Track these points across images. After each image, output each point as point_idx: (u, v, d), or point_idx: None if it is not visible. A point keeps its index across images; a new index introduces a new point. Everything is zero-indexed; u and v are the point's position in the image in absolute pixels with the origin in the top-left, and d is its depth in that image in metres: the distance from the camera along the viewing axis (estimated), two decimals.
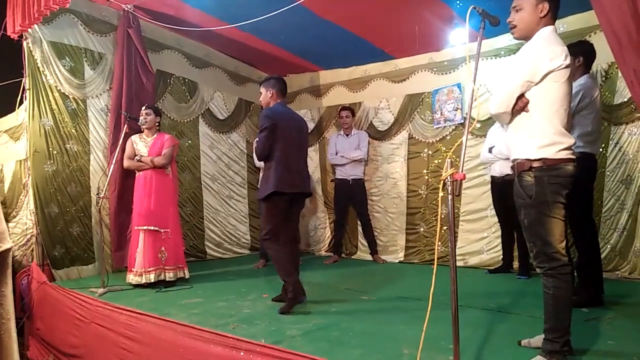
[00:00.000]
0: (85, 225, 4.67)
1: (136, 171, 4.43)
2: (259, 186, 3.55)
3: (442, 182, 2.07)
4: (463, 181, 2.07)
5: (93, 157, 4.79)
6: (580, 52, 3.24)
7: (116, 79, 4.84)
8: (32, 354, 4.13)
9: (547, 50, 2.18)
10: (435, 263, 2.07)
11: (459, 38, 5.06)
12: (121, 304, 3.40)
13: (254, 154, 5.58)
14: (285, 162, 3.49)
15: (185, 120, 5.80)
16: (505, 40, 4.82)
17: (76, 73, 4.69)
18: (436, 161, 5.54)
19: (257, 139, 3.52)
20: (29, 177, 4.43)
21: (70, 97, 4.64)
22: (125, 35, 4.85)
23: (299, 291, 3.48)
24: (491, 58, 5.00)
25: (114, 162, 4.39)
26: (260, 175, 5.62)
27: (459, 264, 5.08)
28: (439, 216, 2.21)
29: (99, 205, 4.29)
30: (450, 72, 5.42)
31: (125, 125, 4.46)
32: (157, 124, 4.51)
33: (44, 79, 4.46)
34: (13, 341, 2.49)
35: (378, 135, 6.00)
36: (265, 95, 3.72)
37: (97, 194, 4.30)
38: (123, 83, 4.80)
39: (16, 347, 2.53)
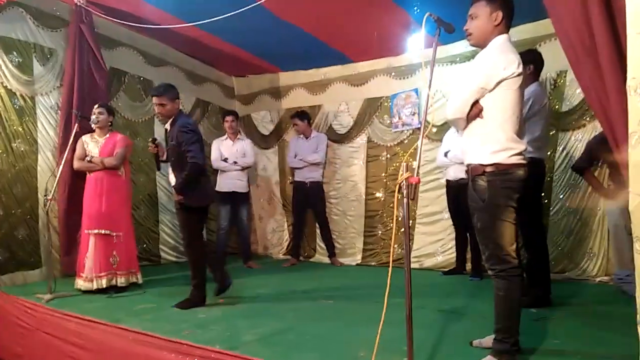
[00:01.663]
0: (31, 228, 4.46)
1: (87, 172, 4.26)
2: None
3: (397, 185, 2.10)
4: (419, 185, 2.10)
5: (41, 157, 4.58)
6: (531, 60, 3.36)
7: (67, 76, 4.65)
8: None
9: (500, 58, 2.25)
10: (391, 265, 2.09)
11: (416, 44, 5.17)
12: (70, 310, 3.26)
13: (212, 157, 5.57)
14: None
15: (140, 120, 5.64)
16: (461, 47, 4.95)
17: (24, 69, 4.48)
18: (394, 165, 5.62)
19: (191, 148, 3.51)
20: None
21: (18, 94, 4.43)
22: (77, 30, 4.67)
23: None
24: (447, 64, 5.13)
25: (63, 162, 4.20)
26: (218, 176, 5.58)
27: (414, 266, 5.16)
28: (394, 219, 2.24)
29: (47, 207, 4.10)
30: (408, 77, 5.53)
31: (77, 125, 4.28)
32: (109, 123, 4.36)
33: None
34: None
35: (337, 138, 6.04)
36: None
37: (45, 195, 4.11)
38: (74, 80, 4.62)
39: None
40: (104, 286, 4.02)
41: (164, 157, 3.75)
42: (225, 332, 2.92)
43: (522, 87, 2.34)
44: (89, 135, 4.35)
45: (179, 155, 3.56)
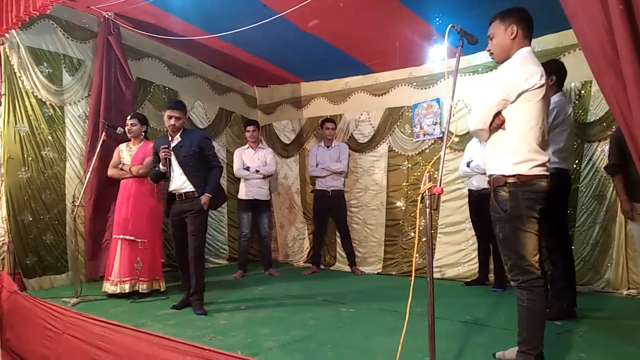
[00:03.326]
0: (59, 233, 4.58)
1: (120, 179, 4.39)
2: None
3: (420, 195, 2.11)
4: (441, 195, 2.11)
5: (69, 165, 4.72)
6: (553, 70, 3.33)
7: (95, 86, 4.79)
8: None
9: (522, 70, 2.26)
10: (413, 275, 2.09)
11: (438, 54, 5.18)
12: (95, 314, 3.33)
13: (234, 166, 5.64)
14: None
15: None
16: (483, 57, 4.93)
17: (54, 79, 4.63)
18: (415, 174, 5.61)
19: (215, 154, 3.98)
20: (2, 183, 4.32)
21: (47, 103, 4.58)
22: (105, 42, 4.81)
23: None
24: (469, 74, 5.12)
25: (90, 169, 4.32)
26: (241, 185, 5.65)
27: (436, 276, 5.10)
28: (416, 229, 2.24)
29: (74, 213, 4.22)
30: (429, 87, 5.53)
31: (104, 133, 4.41)
32: (143, 132, 4.47)
33: (21, 85, 4.40)
34: None
35: (358, 147, 6.05)
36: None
37: (73, 202, 4.23)
38: (102, 90, 4.76)
39: None
40: (127, 291, 4.10)
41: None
42: (246, 338, 2.95)
43: (546, 98, 2.33)
44: (125, 144, 4.49)
45: (198, 162, 3.79)
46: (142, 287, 4.20)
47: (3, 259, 4.33)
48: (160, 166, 3.77)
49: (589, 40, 1.85)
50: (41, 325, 3.53)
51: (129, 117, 4.43)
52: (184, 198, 3.76)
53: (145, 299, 4.11)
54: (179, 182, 3.76)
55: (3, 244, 4.34)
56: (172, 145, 3.79)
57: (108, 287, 4.13)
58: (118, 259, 4.15)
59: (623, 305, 3.88)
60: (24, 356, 3.73)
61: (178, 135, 3.82)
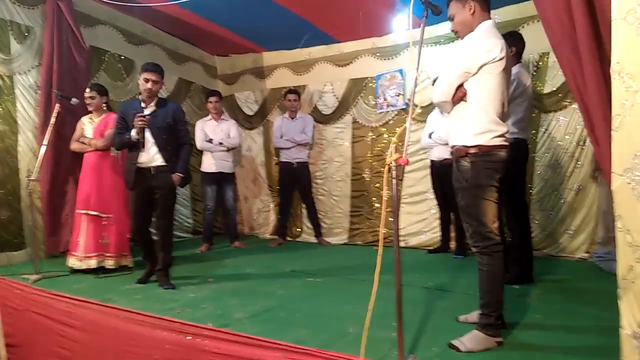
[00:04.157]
0: (14, 209, 4.40)
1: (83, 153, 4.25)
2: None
3: (387, 166, 2.14)
4: (406, 165, 2.15)
5: (22, 137, 4.51)
6: (513, 42, 3.40)
7: (46, 54, 4.55)
8: None
9: (483, 43, 2.31)
10: (381, 244, 2.14)
11: (401, 24, 5.16)
12: (59, 290, 3.26)
13: (196, 138, 5.52)
14: None
15: (122, 100, 5.54)
16: (446, 28, 4.94)
17: (1, 47, 4.37)
18: (380, 145, 5.66)
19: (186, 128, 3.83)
20: None
21: None
22: (55, 8, 4.55)
23: None
24: (432, 45, 5.14)
25: (45, 142, 4.14)
26: (204, 157, 5.56)
27: (400, 244, 5.25)
28: (383, 199, 2.29)
29: (30, 188, 4.06)
30: (392, 58, 5.53)
31: (57, 104, 4.21)
32: (104, 104, 4.30)
33: None
34: None
35: (322, 119, 6.04)
36: None
37: (27, 176, 4.07)
38: (53, 59, 4.53)
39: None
40: (93, 267, 4.02)
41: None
42: (216, 310, 2.96)
43: (507, 70, 2.39)
44: (88, 116, 4.32)
45: (170, 135, 3.61)
46: (109, 263, 4.11)
47: None
48: (133, 134, 3.49)
49: (547, 13, 1.90)
50: (2, 303, 3.43)
51: (87, 90, 4.25)
52: (152, 172, 3.58)
53: (109, 275, 4.03)
54: (150, 154, 3.56)
55: None
56: (146, 113, 3.56)
57: (73, 262, 4.03)
58: (83, 234, 4.05)
59: (576, 268, 4.11)
60: None
61: (153, 104, 3.62)
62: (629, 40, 1.54)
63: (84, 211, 4.07)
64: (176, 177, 3.61)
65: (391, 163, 2.12)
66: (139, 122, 3.48)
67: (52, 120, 4.12)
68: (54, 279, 3.82)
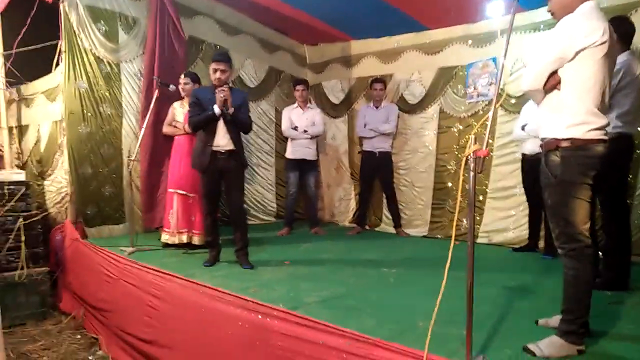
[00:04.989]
0: (116, 186, 4.82)
1: (173, 136, 4.55)
2: None
3: (464, 158, 2.05)
4: (494, 158, 2.04)
5: (125, 121, 4.90)
6: (619, 26, 3.08)
7: (149, 43, 4.89)
8: (64, 305, 4.36)
9: (582, 25, 2.10)
10: (453, 237, 2.05)
11: (496, 10, 4.89)
12: (149, 263, 3.53)
13: (282, 125, 5.67)
14: None
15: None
16: (545, 13, 4.58)
17: (111, 37, 4.76)
18: (467, 136, 5.43)
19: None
20: (64, 137, 4.58)
21: (105, 60, 4.72)
22: (158, 0, 4.87)
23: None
24: (529, 32, 4.82)
25: (144, 125, 4.47)
26: (288, 144, 5.70)
27: (482, 240, 5.05)
28: (458, 192, 2.20)
29: (130, 167, 4.42)
30: (486, 45, 5.27)
31: (157, 90, 4.53)
32: None
33: (80, 42, 4.54)
34: None
35: (408, 108, 5.92)
36: None
37: (129, 156, 4.42)
38: (156, 48, 4.86)
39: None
40: (184, 241, 4.33)
41: None
42: (289, 292, 3.04)
43: (610, 57, 2.16)
44: (179, 102, 4.61)
45: (235, 119, 3.75)
46: (196, 240, 4.40)
47: (66, 208, 4.64)
48: (216, 108, 3.63)
49: None
50: (99, 271, 3.79)
51: (182, 76, 4.52)
52: (225, 155, 3.73)
53: (196, 251, 4.29)
54: (224, 139, 3.72)
55: (66, 194, 4.63)
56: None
57: (166, 237, 4.36)
58: (175, 211, 4.36)
59: None
60: (84, 298, 4.03)
61: (224, 89, 3.72)
62: None
63: (175, 190, 4.37)
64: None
65: (469, 155, 2.03)
66: (222, 94, 3.61)
67: (152, 105, 4.44)
68: (147, 252, 4.14)
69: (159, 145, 4.80)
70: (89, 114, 4.62)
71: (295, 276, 3.51)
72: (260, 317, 2.48)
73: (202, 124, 3.74)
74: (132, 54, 4.94)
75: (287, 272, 3.65)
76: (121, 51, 4.85)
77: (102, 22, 4.68)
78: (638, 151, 4.05)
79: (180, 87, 4.51)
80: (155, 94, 4.51)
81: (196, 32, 5.55)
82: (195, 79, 4.56)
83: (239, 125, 3.81)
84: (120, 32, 4.84)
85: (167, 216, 4.42)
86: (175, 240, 4.33)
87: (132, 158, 4.35)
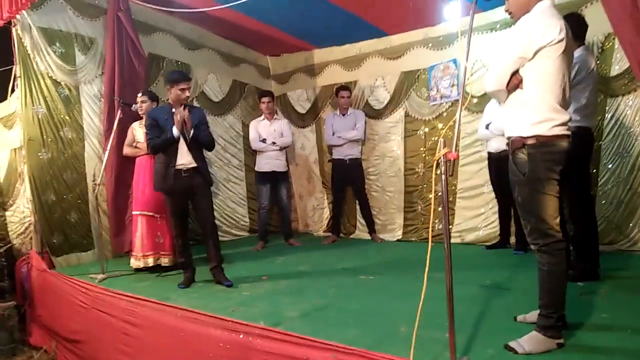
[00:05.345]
0: (82, 212, 4.68)
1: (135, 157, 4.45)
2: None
3: (435, 162, 2.07)
4: (460, 159, 2.07)
5: (88, 144, 4.78)
6: (573, 24, 3.19)
7: (108, 64, 4.79)
8: (34, 340, 4.20)
9: (540, 24, 2.15)
10: (430, 240, 2.07)
11: (453, 12, 4.99)
12: (121, 289, 3.43)
13: (250, 138, 5.63)
14: None
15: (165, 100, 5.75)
16: (501, 13, 4.70)
17: (67, 59, 4.64)
18: (433, 138, 5.50)
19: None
20: (24, 165, 4.43)
21: (62, 83, 4.61)
22: (115, 18, 4.78)
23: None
24: (487, 32, 4.94)
25: (108, 148, 4.36)
26: (258, 157, 5.66)
27: (455, 240, 5.10)
28: (432, 196, 2.22)
29: (96, 191, 4.30)
30: (445, 48, 5.36)
31: (119, 111, 4.43)
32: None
33: (35, 66, 4.42)
34: None
35: (374, 113, 5.97)
36: None
37: (93, 180, 4.30)
38: (115, 68, 4.76)
39: None
40: (151, 265, 4.22)
41: None
42: (269, 308, 3.00)
43: (568, 53, 2.22)
44: (138, 122, 4.51)
45: (196, 138, 3.73)
46: (165, 261, 4.30)
47: (31, 238, 4.47)
48: (175, 131, 3.60)
49: None
50: (70, 302, 3.66)
51: (139, 95, 4.43)
52: (189, 173, 3.68)
53: (170, 273, 4.19)
54: (187, 157, 3.68)
55: (30, 224, 4.46)
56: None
57: (133, 262, 4.25)
58: (140, 234, 4.25)
59: None
60: (56, 331, 3.89)
61: (182, 109, 3.72)
62: None
63: (140, 212, 4.27)
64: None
65: (440, 158, 2.05)
66: (179, 116, 3.59)
67: (115, 126, 4.34)
68: (118, 278, 4.03)
69: (124, 167, 4.69)
70: (49, 140, 4.49)
71: (274, 291, 3.47)
72: (241, 336, 2.44)
73: (162, 147, 3.68)
74: (90, 75, 4.83)
75: (266, 288, 3.60)
76: (79, 73, 4.74)
77: (57, 44, 4.57)
78: (597, 143, 4.19)
79: (137, 105, 4.41)
80: (118, 114, 4.42)
81: (156, 49, 5.47)
82: (152, 97, 4.48)
83: (201, 144, 3.79)
84: (77, 53, 4.74)
85: (133, 240, 4.33)
86: (141, 264, 4.20)
87: (98, 182, 4.24)
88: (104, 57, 4.84)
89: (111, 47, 4.77)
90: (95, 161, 4.73)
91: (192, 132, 3.67)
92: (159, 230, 4.29)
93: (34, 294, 4.26)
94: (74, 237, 4.60)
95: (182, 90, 3.68)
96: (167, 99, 3.86)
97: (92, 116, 4.82)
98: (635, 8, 1.63)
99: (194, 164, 3.69)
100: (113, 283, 3.77)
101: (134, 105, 4.45)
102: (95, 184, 4.22)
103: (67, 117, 4.62)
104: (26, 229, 4.64)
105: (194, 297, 3.39)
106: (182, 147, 3.67)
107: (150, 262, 4.22)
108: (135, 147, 4.45)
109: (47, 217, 4.41)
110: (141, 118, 4.49)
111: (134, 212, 4.35)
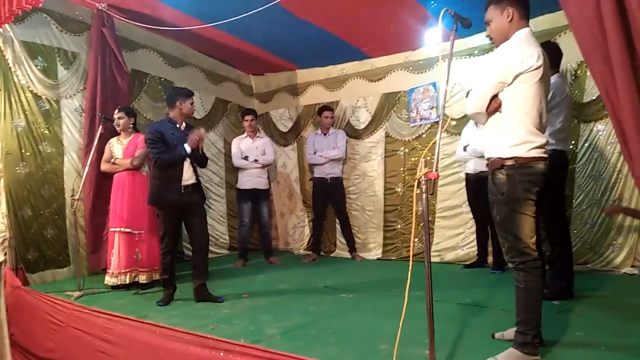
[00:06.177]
0: (59, 227, 4.59)
1: (113, 173, 4.41)
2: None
3: (416, 181, 2.12)
4: (439, 179, 2.12)
5: (67, 159, 4.71)
6: (549, 52, 3.32)
7: (90, 79, 4.77)
8: None
9: (518, 51, 2.25)
10: (411, 260, 2.11)
11: (433, 38, 5.14)
12: (98, 307, 3.36)
13: (232, 156, 5.65)
14: None
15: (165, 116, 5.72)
16: (479, 39, 4.91)
17: (49, 73, 4.61)
18: (413, 159, 5.61)
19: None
20: (1, 179, 4.33)
21: (43, 97, 4.56)
22: (99, 34, 4.77)
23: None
24: (465, 57, 5.10)
25: (88, 163, 4.32)
26: (239, 174, 5.66)
27: (435, 260, 5.16)
28: (413, 215, 2.26)
29: (74, 207, 4.23)
30: (425, 71, 5.51)
31: (101, 126, 4.41)
32: (131, 125, 4.47)
33: (16, 80, 4.36)
34: (7, 349, 2.52)
35: (355, 133, 6.05)
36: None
37: (72, 196, 4.24)
38: (97, 83, 4.74)
39: (9, 355, 2.55)
40: (126, 282, 4.16)
41: None
42: (249, 326, 2.99)
43: (545, 79, 2.32)
44: (115, 138, 4.49)
45: (199, 155, 3.82)
46: (142, 278, 4.24)
47: (5, 254, 4.36)
48: (188, 148, 3.64)
49: (577, 23, 1.85)
50: (45, 319, 3.56)
51: (116, 111, 4.42)
52: (190, 189, 3.73)
53: (148, 290, 4.14)
54: (188, 172, 3.73)
55: (4, 239, 4.35)
56: (182, 133, 3.78)
57: (108, 279, 4.19)
58: (116, 251, 4.20)
59: (621, 283, 3.92)
60: (30, 350, 3.76)
61: (184, 124, 3.85)
62: None
63: (117, 229, 4.23)
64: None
65: (421, 177, 2.10)
66: (197, 136, 3.68)
67: (95, 141, 4.31)
68: (95, 295, 3.96)
69: (103, 182, 4.64)
70: (28, 154, 4.42)
71: (255, 308, 3.45)
72: (222, 354, 2.41)
73: (172, 163, 3.69)
74: (72, 90, 4.79)
75: (246, 305, 3.58)
76: (61, 87, 4.70)
77: (39, 57, 4.54)
78: (571, 166, 4.33)
79: (115, 121, 4.40)
80: (99, 129, 4.39)
81: (139, 65, 5.47)
82: (129, 113, 4.48)
83: (200, 161, 3.85)
84: (60, 67, 4.70)
85: (108, 257, 4.27)
86: (117, 281, 4.15)
87: (76, 197, 4.17)
88: (87, 71, 4.82)
89: (94, 62, 4.76)
90: (75, 176, 4.66)
91: (200, 150, 3.77)
92: (137, 247, 4.24)
93: (8, 312, 4.12)
94: (50, 254, 4.50)
95: (192, 104, 3.82)
96: (168, 114, 3.89)
97: (72, 131, 4.77)
98: (604, 39, 1.71)
99: (194, 180, 3.75)
100: (90, 300, 3.70)
101: (115, 120, 4.44)
102: (73, 199, 4.15)
103: (46, 131, 4.56)
104: (1, 244, 4.52)
105: (173, 314, 3.35)
106: (186, 163, 3.73)
107: (126, 279, 4.16)
108: (113, 163, 4.42)
109: (23, 233, 4.30)
110: (118, 134, 4.48)
111: (110, 229, 4.30)
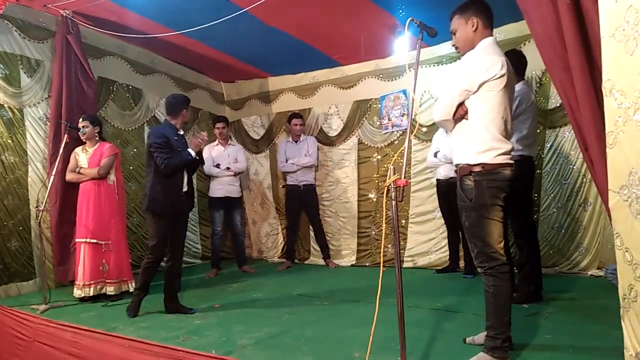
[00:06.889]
0: (24, 239, 4.45)
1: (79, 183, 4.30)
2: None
3: (386, 188, 2.14)
4: (411, 185, 2.15)
5: (31, 169, 4.58)
6: (514, 60, 3.41)
7: (55, 87, 4.64)
8: None
9: (483, 60, 2.30)
10: (382, 266, 2.13)
11: (402, 46, 5.21)
12: (65, 320, 3.27)
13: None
14: None
15: (130, 128, 5.63)
16: (447, 48, 4.99)
17: (11, 81, 4.47)
18: (385, 165, 5.65)
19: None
20: None
21: (6, 106, 4.42)
22: (64, 41, 4.65)
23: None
24: (434, 65, 5.19)
25: (54, 173, 4.20)
26: (211, 182, 5.60)
27: (408, 265, 5.20)
28: (383, 221, 2.28)
29: (39, 218, 4.10)
30: (396, 79, 5.58)
31: (66, 135, 4.29)
32: (96, 134, 4.37)
33: None
34: None
35: (328, 140, 6.07)
36: None
37: (37, 206, 4.11)
38: (63, 91, 4.61)
39: None
40: (92, 294, 4.06)
41: None
42: (221, 337, 2.94)
43: (509, 87, 2.38)
44: (81, 147, 4.38)
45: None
46: (110, 290, 4.14)
47: None
48: (193, 153, 3.64)
49: (539, 33, 1.91)
50: (10, 334, 3.44)
51: (80, 120, 4.31)
52: (184, 198, 3.72)
53: (116, 302, 4.04)
54: (185, 180, 3.73)
55: None
56: (182, 139, 3.78)
57: (75, 291, 4.09)
58: (82, 262, 4.10)
59: (589, 285, 4.03)
60: None
61: (181, 131, 3.83)
62: (619, 57, 1.53)
63: (84, 239, 4.13)
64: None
65: (390, 184, 2.12)
66: (199, 140, 3.68)
67: (61, 151, 4.20)
68: (62, 308, 3.85)
69: (70, 193, 4.51)
70: None
71: (227, 319, 3.40)
72: None
73: (180, 169, 3.64)
74: (36, 98, 4.66)
75: (218, 316, 3.53)
76: (24, 95, 4.57)
77: (1, 65, 4.40)
78: (538, 171, 4.44)
79: (79, 131, 4.30)
80: (65, 138, 4.28)
81: (107, 72, 5.36)
82: (94, 121, 4.38)
83: (195, 167, 3.86)
84: (23, 75, 4.57)
85: (75, 268, 4.17)
86: (82, 293, 4.04)
87: (41, 208, 4.05)
88: (52, 79, 4.70)
89: (59, 70, 4.64)
90: (40, 186, 4.53)
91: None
92: (104, 257, 4.14)
93: None
94: (14, 266, 4.35)
95: (187, 111, 3.82)
96: (167, 120, 3.84)
97: (36, 140, 4.63)
98: (563, 50, 1.77)
99: (187, 188, 3.74)
100: (56, 314, 3.58)
101: (81, 129, 4.34)
102: (38, 210, 4.03)
103: (9, 141, 4.43)
104: None
105: (142, 326, 3.27)
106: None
107: (91, 291, 4.06)
108: (79, 172, 4.31)
109: None
110: (84, 143, 4.38)
111: (76, 240, 4.20)
